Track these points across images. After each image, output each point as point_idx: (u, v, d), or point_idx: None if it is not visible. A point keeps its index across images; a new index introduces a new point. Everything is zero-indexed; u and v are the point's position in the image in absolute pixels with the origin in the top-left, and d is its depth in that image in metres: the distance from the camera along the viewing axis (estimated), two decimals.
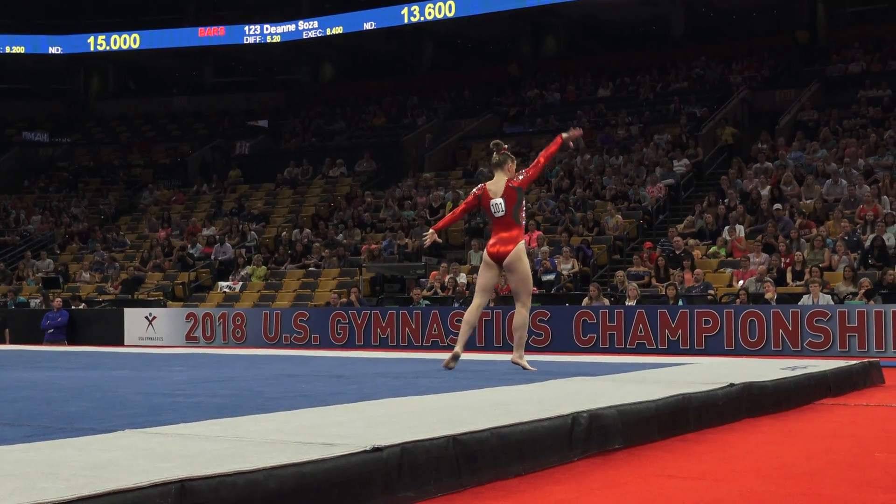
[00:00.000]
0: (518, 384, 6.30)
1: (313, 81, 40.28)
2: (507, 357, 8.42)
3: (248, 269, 23.97)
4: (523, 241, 8.31)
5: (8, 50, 38.17)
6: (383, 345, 17.42)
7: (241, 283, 23.53)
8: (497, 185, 8.28)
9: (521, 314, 8.28)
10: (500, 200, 8.24)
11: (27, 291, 25.16)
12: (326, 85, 39.74)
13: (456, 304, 18.50)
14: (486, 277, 8.41)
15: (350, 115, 35.92)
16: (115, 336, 19.98)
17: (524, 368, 8.05)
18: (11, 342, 20.15)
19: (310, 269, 23.64)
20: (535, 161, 8.46)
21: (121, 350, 15.20)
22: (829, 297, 15.81)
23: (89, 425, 4.09)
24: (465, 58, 38.17)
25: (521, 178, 8.25)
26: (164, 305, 21.92)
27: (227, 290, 23.38)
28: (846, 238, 18.19)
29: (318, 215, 27.22)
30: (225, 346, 18.62)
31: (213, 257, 25.44)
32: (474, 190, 8.52)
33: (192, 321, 19.62)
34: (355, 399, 5.32)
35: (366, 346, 17.46)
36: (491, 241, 8.37)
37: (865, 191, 19.92)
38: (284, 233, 26.11)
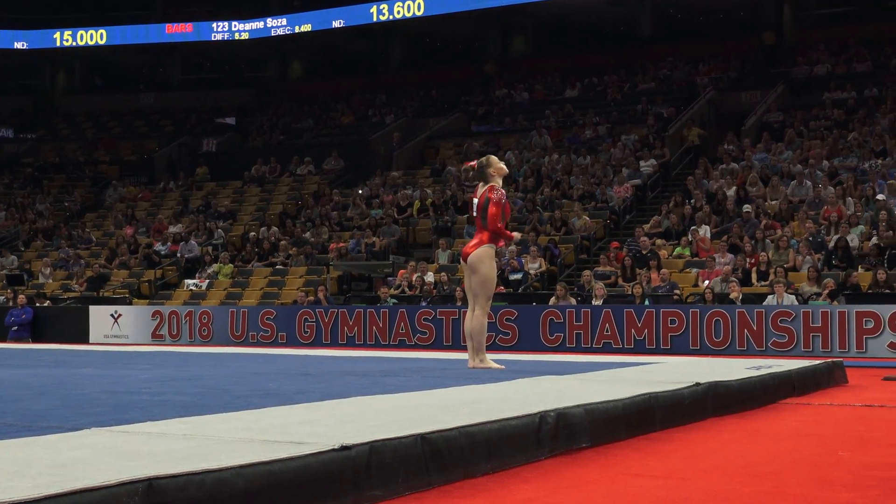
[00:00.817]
0: (486, 383, 6.31)
1: (281, 79, 40.14)
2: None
3: (215, 266, 23.86)
4: (489, 245, 8.22)
5: None
6: (350, 343, 17.40)
7: (207, 280, 23.43)
8: (481, 185, 8.37)
9: (478, 319, 8.19)
10: (475, 201, 8.34)
11: None
12: (294, 83, 39.62)
13: (423, 303, 18.50)
14: (465, 280, 8.43)
15: (318, 113, 35.83)
16: (79, 334, 19.83)
17: (493, 368, 8.04)
18: None
19: (277, 267, 23.57)
20: (492, 218, 8.20)
21: (86, 348, 15.09)
22: (793, 297, 15.93)
23: (55, 423, 4.06)
24: (433, 57, 38.19)
25: (501, 197, 8.19)
26: (130, 303, 21.78)
27: (193, 288, 23.27)
28: (810, 239, 18.34)
29: (286, 213, 27.13)
30: (191, 344, 18.52)
31: (179, 255, 25.31)
32: None
33: (158, 319, 19.51)
34: (323, 398, 5.32)
35: (333, 344, 17.42)
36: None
37: (830, 192, 20.09)
38: (251, 231, 26.02)
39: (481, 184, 8.40)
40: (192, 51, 39.52)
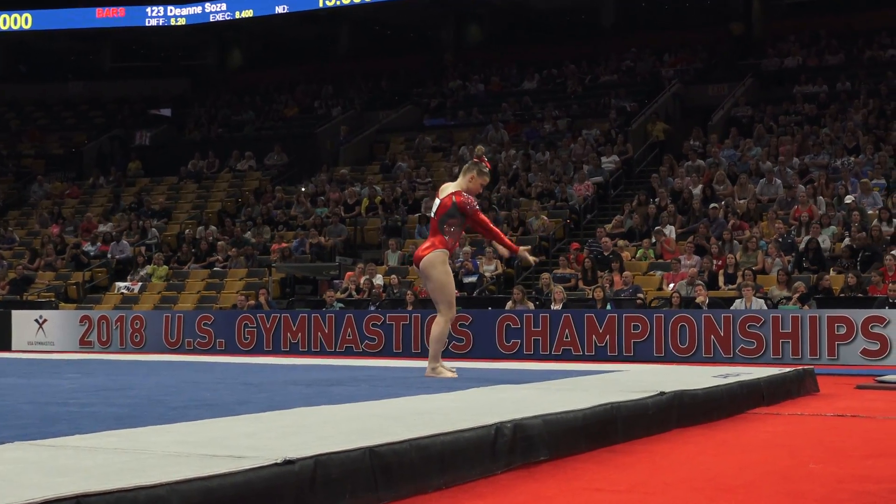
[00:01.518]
0: (439, 392, 6.31)
1: (221, 68, 39.95)
2: (426, 364, 8.42)
3: (148, 268, 23.70)
4: (441, 250, 8.21)
5: None
6: (294, 350, 17.34)
7: (140, 283, 23.27)
8: (448, 188, 8.33)
9: (438, 325, 8.23)
10: (437, 202, 8.30)
11: None
12: (235, 72, 39.43)
13: (372, 308, 18.49)
14: (423, 285, 8.47)
15: (260, 105, 35.69)
16: (1, 340, 19.63)
17: (445, 377, 8.06)
18: None
19: (215, 268, 23.45)
20: (487, 223, 8.38)
21: (8, 356, 14.93)
22: (762, 301, 16.09)
23: None
24: (384, 45, 38.15)
25: (468, 202, 8.18)
26: (56, 307, 21.58)
27: (124, 292, 23.10)
28: (780, 240, 18.53)
29: (225, 211, 27.01)
30: (122, 351, 18.39)
31: (109, 256, 25.12)
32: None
33: (87, 324, 19.33)
34: (265, 408, 5.29)
35: (275, 351, 17.36)
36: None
37: (800, 191, 20.31)
38: (188, 230, 25.86)
39: (449, 185, 8.36)
40: (125, 37, 39.19)
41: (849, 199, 19.74)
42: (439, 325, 8.22)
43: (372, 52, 37.72)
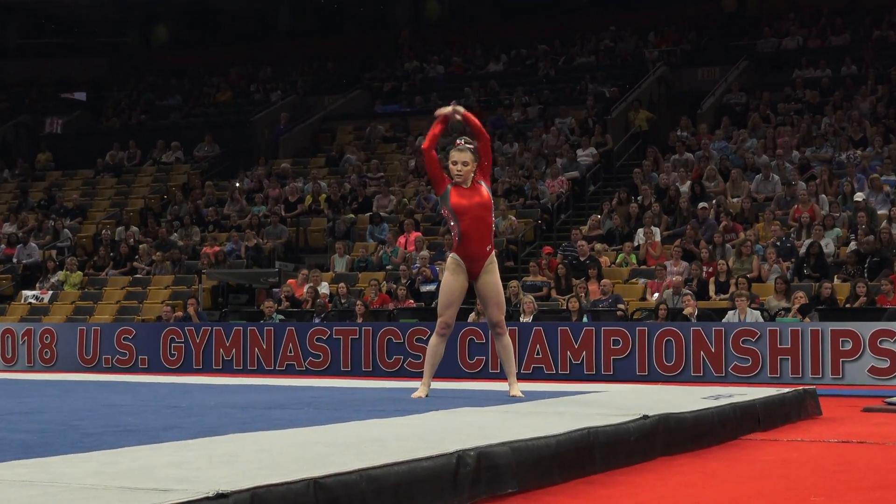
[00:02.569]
0: (393, 416, 6.32)
1: (144, 47, 39.76)
2: (378, 384, 8.46)
3: (60, 274, 23.57)
4: (453, 255, 8.37)
5: None
6: (227, 369, 17.28)
7: (50, 292, 23.13)
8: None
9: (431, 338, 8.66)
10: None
11: None
12: (160, 51, 39.26)
13: (316, 320, 18.46)
14: None
15: (189, 89, 35.56)
16: None
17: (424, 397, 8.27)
18: None
19: (137, 275, 23.33)
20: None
21: None
22: (758, 313, 16.18)
23: None
24: (330, 23, 38.10)
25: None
26: None
27: (32, 301, 22.96)
28: (778, 244, 18.65)
29: (149, 210, 26.88)
30: (30, 370, 18.25)
31: (15, 260, 24.95)
32: None
33: None
34: (195, 434, 5.28)
35: (206, 370, 17.29)
36: None
37: (801, 188, 20.45)
38: (105, 231, 25.71)
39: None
40: (34, 10, 38.93)
41: (858, 196, 19.84)
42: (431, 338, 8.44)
43: (317, 30, 37.68)
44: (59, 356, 18.60)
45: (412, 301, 19.01)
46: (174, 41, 39.66)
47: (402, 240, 21.38)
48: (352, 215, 23.77)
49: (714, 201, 20.88)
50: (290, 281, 20.55)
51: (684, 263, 18.58)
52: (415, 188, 24.29)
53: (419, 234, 21.39)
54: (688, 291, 17.25)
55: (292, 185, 25.58)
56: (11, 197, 29.64)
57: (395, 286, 19.35)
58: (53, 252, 24.80)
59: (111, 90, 37.04)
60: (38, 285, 23.72)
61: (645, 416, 5.95)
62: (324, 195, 24.79)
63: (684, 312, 16.49)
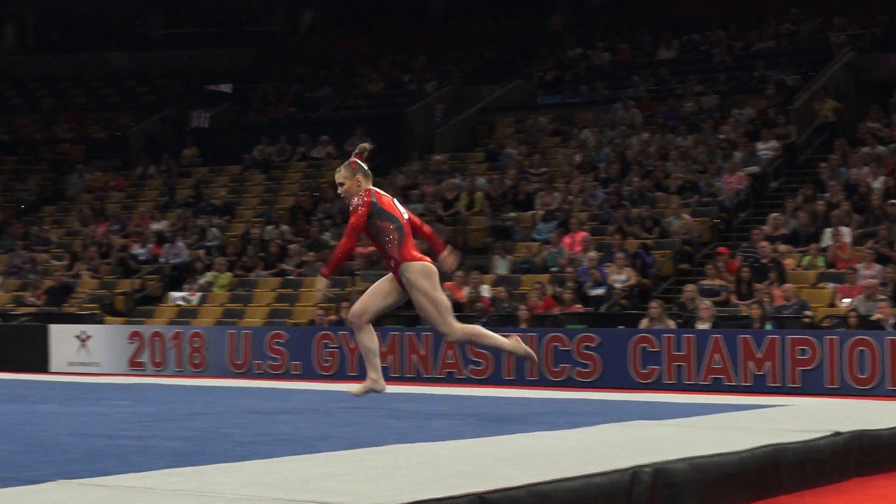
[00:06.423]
0: (561, 429, 6.30)
1: (291, 35, 40.23)
2: (545, 394, 8.42)
3: (209, 275, 23.95)
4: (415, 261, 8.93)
5: None
6: (384, 376, 17.29)
7: (199, 293, 23.51)
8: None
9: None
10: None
11: None
12: (308, 39, 39.68)
13: (482, 320, 18.47)
14: None
15: (339, 79, 35.88)
16: (37, 360, 19.99)
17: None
18: None
19: (288, 277, 23.62)
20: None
21: (46, 378, 15.23)
22: None
23: (13, 474, 4.10)
24: (488, 6, 38.10)
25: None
26: (101, 321, 21.92)
27: (181, 303, 23.37)
28: None
29: (299, 208, 27.19)
30: (180, 374, 18.62)
31: (163, 260, 25.42)
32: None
33: (137, 342, 19.63)
34: (350, 445, 5.33)
35: (361, 376, 17.18)
36: None
37: None
38: (255, 230, 26.11)
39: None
40: (176, 0, 39.58)
41: None
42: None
43: (474, 14, 37.68)
44: (208, 361, 18.94)
45: (579, 306, 18.91)
46: (323, 29, 39.97)
47: (567, 240, 21.29)
48: (513, 214, 23.75)
49: None
50: (447, 283, 20.62)
51: (878, 266, 18.18)
52: (580, 185, 24.17)
53: (585, 233, 21.28)
54: (882, 297, 16.88)
55: (449, 181, 25.66)
56: (158, 194, 30.21)
57: (560, 289, 19.28)
58: (201, 252, 25.15)
59: (258, 82, 37.50)
60: (186, 286, 24.09)
61: (837, 433, 5.84)
62: (479, 193, 24.74)
63: (872, 318, 16.12)
